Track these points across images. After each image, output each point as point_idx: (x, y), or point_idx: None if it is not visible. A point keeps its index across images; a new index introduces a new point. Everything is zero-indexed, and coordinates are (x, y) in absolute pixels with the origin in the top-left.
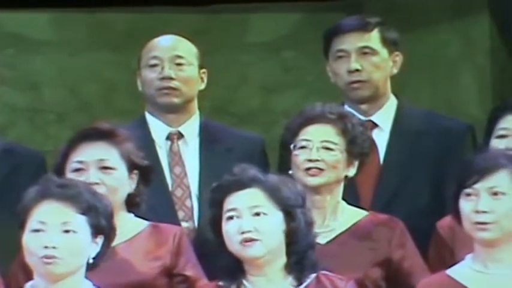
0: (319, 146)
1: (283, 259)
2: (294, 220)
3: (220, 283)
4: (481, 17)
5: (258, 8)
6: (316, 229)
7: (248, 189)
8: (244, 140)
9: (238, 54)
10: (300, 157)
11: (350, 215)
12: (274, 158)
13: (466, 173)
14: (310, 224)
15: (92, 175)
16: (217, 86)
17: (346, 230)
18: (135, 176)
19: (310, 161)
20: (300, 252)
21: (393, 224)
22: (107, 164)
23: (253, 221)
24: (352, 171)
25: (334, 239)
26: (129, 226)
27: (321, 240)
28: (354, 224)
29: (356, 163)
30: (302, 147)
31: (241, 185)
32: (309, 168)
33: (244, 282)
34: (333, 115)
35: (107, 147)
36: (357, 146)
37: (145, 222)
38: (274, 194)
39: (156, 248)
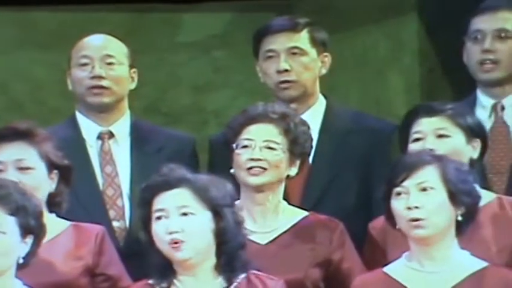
0: (261, 145)
1: (213, 259)
2: (222, 220)
3: (150, 281)
4: (409, 18)
5: (189, 7)
6: (257, 229)
7: (176, 189)
8: (175, 140)
9: (169, 53)
10: (242, 156)
11: (291, 215)
12: (205, 157)
13: (394, 172)
14: (239, 223)
15: (10, 175)
16: (148, 86)
17: (287, 230)
18: (55, 176)
19: (252, 160)
20: (229, 253)
21: (333, 225)
22: (25, 164)
23: (180, 221)
24: (293, 171)
25: (275, 239)
26: (50, 226)
27: (262, 240)
28: (294, 224)
29: (298, 162)
30: (244, 147)
31: (169, 185)
32: (251, 168)
33: (175, 281)
34: (275, 115)
35: (25, 147)
36: (299, 145)
37: (67, 222)
38: (202, 194)
39: (78, 248)
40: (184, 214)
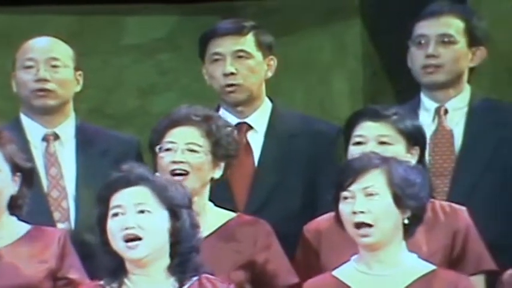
0: (184, 148)
1: (166, 259)
2: (178, 220)
3: (101, 282)
4: (352, 22)
5: (133, 10)
6: None
7: (135, 187)
8: (120, 142)
9: (114, 56)
10: (165, 159)
11: (217, 217)
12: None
13: (342, 175)
14: (195, 226)
15: None
16: (93, 88)
17: (213, 232)
18: (18, 178)
19: (174, 163)
20: (183, 254)
21: (259, 226)
22: None
23: (137, 218)
24: (218, 173)
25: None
26: (12, 229)
27: None
28: (220, 226)
29: (222, 165)
30: (167, 150)
31: (128, 182)
32: (173, 170)
33: (126, 281)
34: (198, 117)
35: None
36: (222, 148)
37: (28, 225)
38: (160, 193)
39: (40, 251)
40: (141, 212)
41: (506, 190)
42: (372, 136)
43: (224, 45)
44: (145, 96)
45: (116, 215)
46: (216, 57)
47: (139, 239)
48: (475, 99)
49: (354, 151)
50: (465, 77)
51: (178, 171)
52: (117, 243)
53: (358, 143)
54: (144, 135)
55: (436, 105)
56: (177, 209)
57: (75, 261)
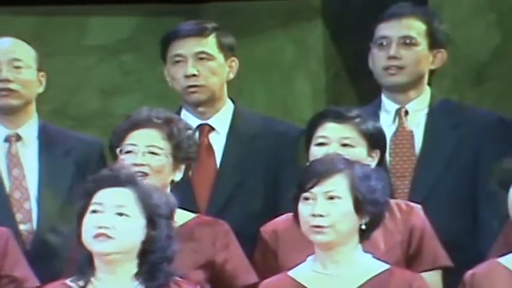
0: (144, 150)
1: (135, 264)
2: (155, 229)
3: (67, 281)
4: (314, 24)
5: (96, 11)
6: None
7: (121, 188)
8: (83, 143)
9: (77, 57)
10: (126, 161)
11: (177, 218)
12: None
13: (305, 177)
14: (171, 237)
15: None
16: (56, 89)
17: None
18: None
19: (135, 165)
20: (153, 263)
21: (218, 226)
22: None
23: (114, 220)
24: (178, 176)
25: None
26: None
27: None
28: (180, 226)
29: (182, 167)
30: (128, 152)
31: (115, 182)
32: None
33: (93, 279)
34: (159, 120)
35: None
36: (183, 150)
37: None
38: (145, 199)
39: None
40: (120, 214)
41: (466, 190)
42: (335, 138)
43: (186, 47)
44: (108, 97)
45: (95, 211)
46: (178, 58)
47: (110, 238)
48: (435, 101)
49: (316, 152)
50: (426, 79)
51: (139, 174)
52: (87, 237)
53: (321, 144)
54: (107, 136)
55: (396, 106)
56: (157, 218)
57: (19, 260)
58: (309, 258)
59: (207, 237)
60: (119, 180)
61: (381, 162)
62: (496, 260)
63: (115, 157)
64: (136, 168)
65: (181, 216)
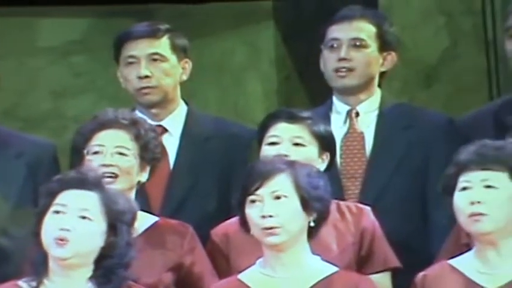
0: (112, 151)
1: (91, 268)
2: (116, 236)
3: (19, 282)
4: (266, 26)
5: (47, 12)
6: None
7: (86, 191)
8: (35, 145)
9: (28, 58)
10: (93, 162)
11: (141, 221)
12: (65, 164)
13: (249, 180)
14: (130, 244)
15: None
16: (6, 91)
17: (139, 236)
18: None
19: (104, 166)
20: (110, 269)
21: (183, 230)
22: None
23: (75, 222)
24: (144, 177)
25: None
26: None
27: None
28: (145, 230)
29: (148, 168)
30: (96, 153)
31: (82, 184)
32: (103, 173)
33: (46, 281)
34: (125, 120)
35: None
36: (150, 151)
37: None
38: (109, 205)
39: None
40: (83, 217)
41: (415, 192)
42: (287, 137)
43: (139, 48)
44: (59, 98)
45: (57, 212)
46: (131, 60)
47: (69, 243)
48: (385, 102)
49: (267, 151)
50: (376, 81)
51: (107, 175)
52: (47, 239)
53: (273, 143)
54: (58, 138)
55: (347, 108)
56: (119, 224)
57: None
58: (258, 261)
59: (174, 240)
60: (85, 183)
61: (331, 165)
62: (446, 261)
63: (81, 158)
64: (105, 169)
65: (147, 219)
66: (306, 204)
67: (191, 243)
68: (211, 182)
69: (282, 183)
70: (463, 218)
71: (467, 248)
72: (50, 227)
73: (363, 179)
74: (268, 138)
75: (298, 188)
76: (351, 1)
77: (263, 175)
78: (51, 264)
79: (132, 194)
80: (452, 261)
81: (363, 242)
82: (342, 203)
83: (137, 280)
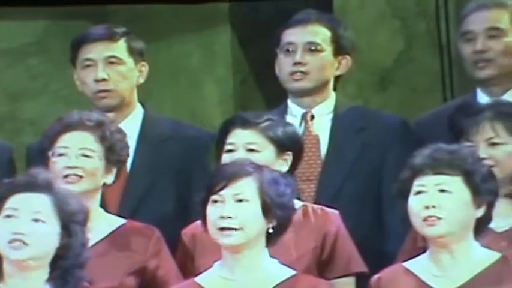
0: (77, 153)
1: (47, 269)
2: (70, 236)
3: None
4: (222, 29)
5: (2, 14)
6: None
7: (37, 193)
8: None
9: None
10: (58, 164)
11: (108, 223)
12: (21, 166)
13: (214, 180)
14: (84, 244)
15: None
16: None
17: (103, 239)
18: None
19: (68, 168)
20: (66, 269)
21: (149, 232)
22: None
23: (29, 226)
24: (110, 179)
25: (90, 248)
26: None
27: None
28: (111, 232)
29: (114, 170)
30: (60, 155)
31: (31, 187)
32: (67, 175)
33: (1, 285)
34: (91, 122)
35: None
36: (115, 153)
37: None
38: (60, 206)
39: None
40: (36, 220)
41: (370, 195)
42: (241, 143)
43: (95, 51)
44: (15, 101)
45: (9, 216)
46: (88, 63)
47: (26, 245)
48: (340, 105)
49: (225, 159)
50: (331, 84)
51: (72, 176)
52: (1, 243)
53: (229, 151)
54: (14, 141)
55: (302, 111)
56: (72, 225)
57: None
58: (216, 263)
59: (139, 243)
60: (35, 186)
61: (297, 164)
62: (402, 264)
63: (46, 160)
64: (70, 171)
65: (112, 222)
66: (267, 210)
67: (156, 246)
68: (169, 184)
69: (246, 186)
70: (417, 221)
71: (424, 250)
72: (3, 231)
73: (317, 181)
74: (226, 146)
75: (262, 193)
76: (306, 5)
77: (229, 176)
78: (6, 267)
79: (98, 196)
80: (406, 264)
81: (324, 246)
82: (309, 206)
83: (93, 282)
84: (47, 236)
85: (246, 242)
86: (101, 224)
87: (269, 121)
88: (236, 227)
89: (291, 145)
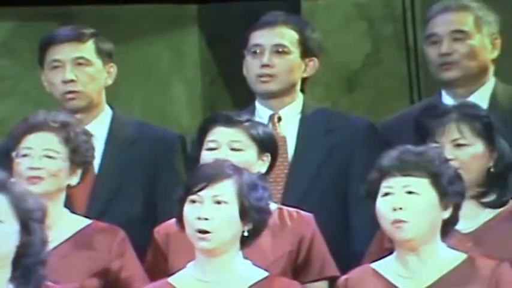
0: (41, 154)
1: (9, 269)
2: (30, 234)
3: None
4: (191, 30)
5: None
6: None
7: None
8: None
9: None
10: (21, 165)
11: (72, 224)
12: None
13: (193, 180)
14: (44, 241)
15: None
16: None
17: (67, 240)
18: None
19: (32, 169)
20: (28, 267)
21: (114, 233)
22: None
23: None
24: (75, 180)
25: (54, 249)
26: None
27: None
28: (75, 233)
29: (79, 172)
30: (24, 155)
31: None
32: (30, 176)
33: None
34: (55, 123)
35: None
36: (80, 154)
37: None
38: (18, 204)
39: None
40: None
41: (338, 195)
42: (225, 141)
43: (63, 52)
44: None
45: None
46: (56, 64)
47: None
48: (307, 107)
49: (207, 156)
50: (298, 86)
51: (35, 177)
52: None
53: (211, 149)
54: None
55: (270, 112)
56: (31, 223)
57: None
58: (190, 264)
59: (103, 244)
60: None
61: (273, 166)
62: (369, 265)
63: (10, 161)
64: (33, 172)
65: (77, 222)
66: (244, 213)
67: (121, 247)
68: (137, 185)
69: (226, 188)
70: (385, 224)
71: (390, 252)
72: None
73: (285, 183)
74: (207, 144)
75: (241, 196)
76: (274, 7)
77: (209, 177)
78: None
79: (61, 197)
80: (374, 265)
81: (300, 250)
82: (285, 209)
83: (56, 282)
84: (6, 236)
85: (221, 246)
86: (65, 225)
87: (250, 121)
88: (210, 229)
89: (270, 146)
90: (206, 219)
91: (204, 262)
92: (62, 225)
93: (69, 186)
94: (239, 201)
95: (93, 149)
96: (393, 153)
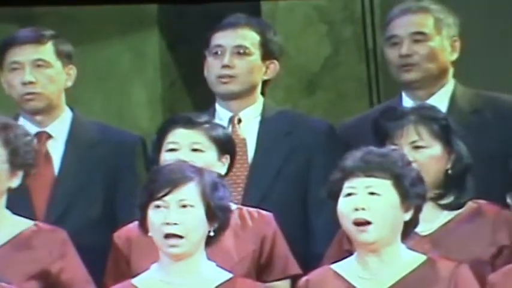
0: None
1: None
2: None
3: None
4: (150, 32)
5: None
6: None
7: None
8: None
9: None
10: None
11: (14, 226)
12: None
13: (156, 185)
14: None
15: None
16: None
17: (8, 242)
18: None
19: None
20: None
21: (55, 235)
22: None
23: None
24: (15, 182)
25: None
26: None
27: None
28: (16, 235)
29: (20, 174)
30: None
31: None
32: None
33: None
34: None
35: None
36: (20, 157)
37: None
38: None
39: None
40: None
41: (298, 197)
42: (185, 143)
43: (23, 54)
44: None
45: None
46: (15, 65)
47: None
48: (268, 109)
49: (167, 157)
50: (259, 88)
51: None
52: None
53: (172, 150)
54: None
55: (230, 114)
56: None
57: None
58: (154, 265)
59: (43, 246)
60: None
61: (231, 167)
62: (329, 266)
63: None
64: None
65: (18, 225)
66: (210, 213)
67: (62, 249)
68: (97, 188)
69: (190, 192)
70: (347, 224)
71: (349, 254)
72: None
73: (245, 185)
74: (167, 145)
75: (205, 197)
76: (235, 9)
77: (172, 182)
78: None
79: (3, 200)
80: (334, 266)
81: (263, 249)
82: (244, 208)
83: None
84: None
85: (190, 250)
86: (5, 228)
87: (209, 122)
88: (181, 234)
89: (230, 147)
90: (175, 224)
91: (168, 264)
92: (2, 227)
93: (9, 189)
94: (204, 203)
95: (34, 151)
96: (357, 154)
